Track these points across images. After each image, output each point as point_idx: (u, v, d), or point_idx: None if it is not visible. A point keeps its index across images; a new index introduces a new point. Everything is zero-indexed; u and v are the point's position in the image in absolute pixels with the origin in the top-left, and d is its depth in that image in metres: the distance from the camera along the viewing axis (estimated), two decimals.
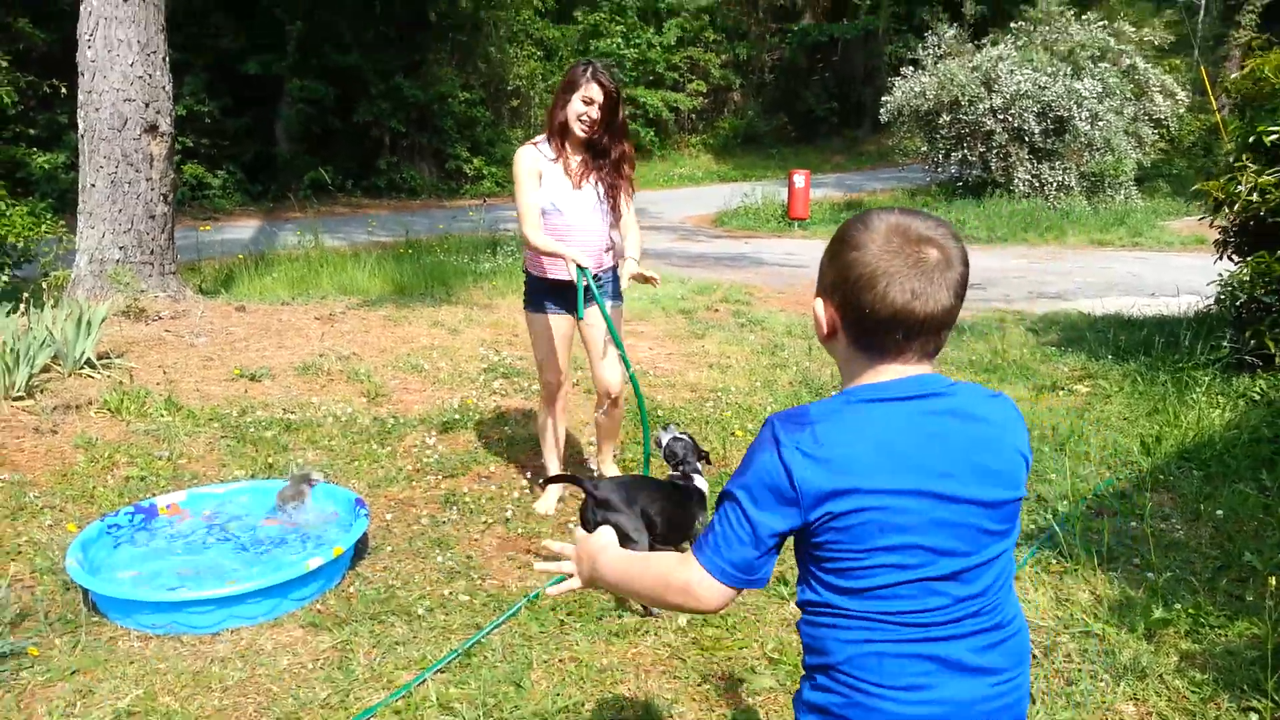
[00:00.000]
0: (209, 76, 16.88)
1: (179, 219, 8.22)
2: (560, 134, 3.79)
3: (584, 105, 3.70)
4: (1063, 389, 5.80)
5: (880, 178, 22.12)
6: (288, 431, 4.82)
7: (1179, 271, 10.14)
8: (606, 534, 1.53)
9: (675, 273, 10.75)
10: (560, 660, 2.90)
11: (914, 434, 1.28)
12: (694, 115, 29.49)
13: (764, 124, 30.87)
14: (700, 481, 3.59)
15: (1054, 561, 3.49)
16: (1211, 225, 6.39)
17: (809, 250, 12.99)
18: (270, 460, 4.49)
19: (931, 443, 1.28)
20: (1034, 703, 2.55)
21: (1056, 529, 3.62)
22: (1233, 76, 6.86)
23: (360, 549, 3.60)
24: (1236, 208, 5.72)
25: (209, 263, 9.89)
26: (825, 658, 1.32)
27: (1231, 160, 5.92)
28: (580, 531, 1.62)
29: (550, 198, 3.77)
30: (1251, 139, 5.69)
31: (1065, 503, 4.01)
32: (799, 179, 15.67)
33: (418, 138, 20.55)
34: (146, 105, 7.04)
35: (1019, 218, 14.63)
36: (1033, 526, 3.81)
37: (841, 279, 1.31)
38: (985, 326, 7.48)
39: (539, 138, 3.88)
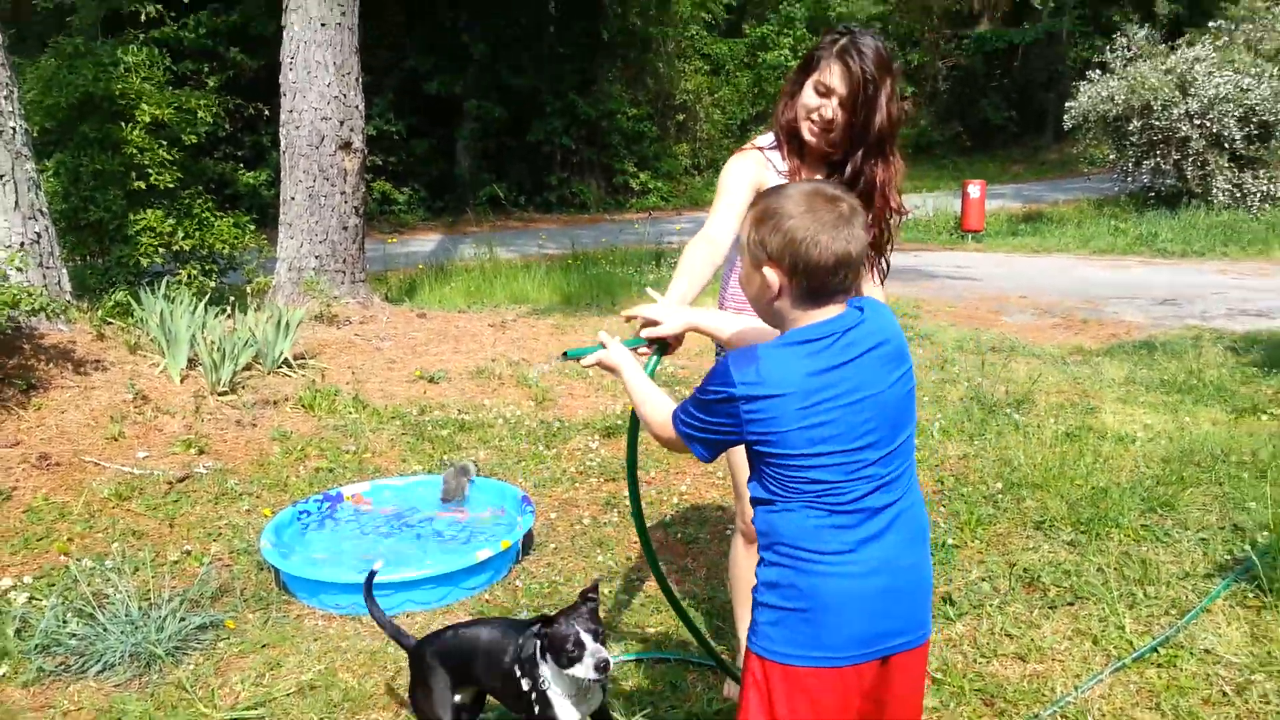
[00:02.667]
0: (396, 97, 17.90)
1: (368, 232, 8.77)
2: (789, 137, 2.52)
3: (817, 97, 2.41)
4: (1265, 412, 5.36)
5: (1063, 188, 21.05)
6: (462, 431, 5.06)
7: None
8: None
9: None
10: None
11: (835, 362, 1.61)
12: None
13: (938, 134, 30.01)
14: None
15: (1251, 595, 3.23)
16: None
17: (983, 264, 12.52)
18: (446, 457, 4.72)
19: (847, 368, 1.61)
20: None
21: (1255, 560, 3.35)
22: None
23: (526, 544, 3.73)
24: None
25: (394, 273, 10.48)
26: (773, 538, 1.66)
27: None
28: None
29: None
30: None
31: (1265, 534, 3.70)
32: (974, 189, 15.12)
33: (587, 153, 21.13)
34: (341, 123, 7.55)
35: (1218, 230, 13.59)
36: (1228, 558, 3.55)
37: (788, 242, 1.62)
38: (1179, 345, 7.00)
39: (764, 137, 2.61)
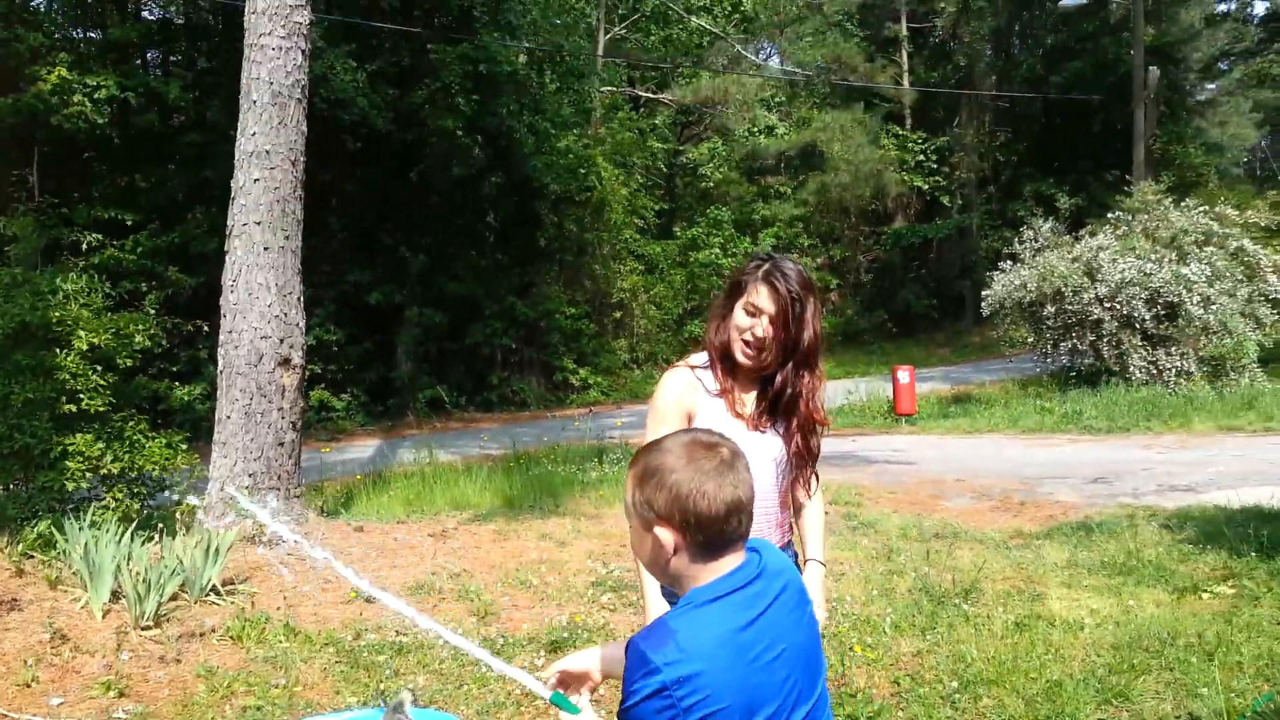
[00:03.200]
0: (337, 308, 18.21)
1: (305, 442, 8.68)
2: (723, 357, 2.61)
3: (748, 318, 2.53)
4: (1206, 591, 5.41)
5: (987, 369, 21.87)
6: (399, 655, 4.85)
7: None
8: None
9: None
10: None
11: (751, 616, 1.52)
12: None
13: (864, 321, 31.25)
14: None
15: None
16: None
17: (918, 446, 12.77)
18: (382, 686, 4.49)
19: (761, 621, 1.53)
20: None
21: None
22: None
23: None
24: None
25: (331, 483, 10.31)
26: None
27: None
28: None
29: None
30: None
31: None
32: (903, 375, 15.64)
33: (526, 352, 21.55)
34: (281, 341, 7.60)
35: (1139, 406, 14.14)
36: None
37: (674, 498, 1.55)
38: (1115, 524, 7.11)
39: (698, 356, 2.70)
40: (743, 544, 1.60)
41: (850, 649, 4.78)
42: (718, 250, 28.37)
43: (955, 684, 4.24)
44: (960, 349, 27.69)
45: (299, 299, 7.85)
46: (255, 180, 7.60)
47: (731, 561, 1.58)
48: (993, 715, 3.90)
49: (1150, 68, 27.11)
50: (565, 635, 5.06)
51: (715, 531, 1.55)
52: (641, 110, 30.18)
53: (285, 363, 7.63)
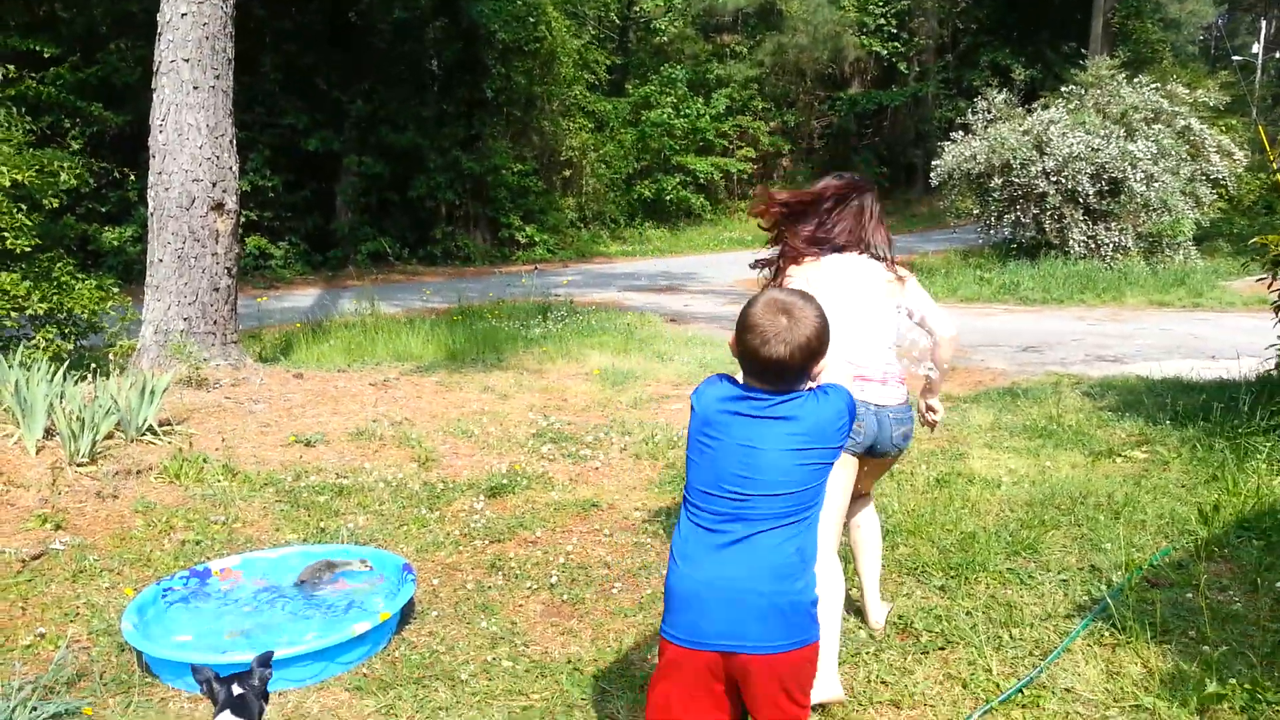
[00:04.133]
0: (273, 153, 17.55)
1: (242, 289, 8.52)
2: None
3: None
4: (1120, 455, 5.68)
5: (933, 239, 22.05)
6: (340, 496, 4.92)
7: (1241, 333, 9.92)
8: None
9: (725, 336, 10.81)
10: None
11: (738, 414, 2.07)
12: (744, 180, 29.81)
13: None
14: None
15: (1107, 634, 3.40)
16: (1270, 288, 6.27)
17: None
18: (322, 524, 4.58)
19: (742, 420, 2.07)
20: None
21: (1109, 601, 3.54)
22: None
23: (407, 614, 3.64)
24: None
25: (269, 331, 10.19)
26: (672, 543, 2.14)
27: None
28: None
29: None
30: None
31: (1120, 573, 3.91)
32: None
33: (472, 207, 21.11)
34: (214, 185, 7.35)
35: (1075, 279, 14.47)
36: (1086, 598, 3.73)
37: (739, 324, 2.09)
38: (1040, 391, 7.37)
39: None
40: (758, 381, 2.09)
41: None
42: (670, 110, 27.74)
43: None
44: (908, 218, 27.78)
45: (231, 141, 7.56)
46: (183, 15, 7.19)
47: (752, 382, 2.11)
48: (907, 562, 4.11)
49: None
50: (505, 482, 5.16)
51: (741, 358, 2.11)
52: None
53: (219, 207, 7.41)
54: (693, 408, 2.14)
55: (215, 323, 7.43)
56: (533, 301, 12.22)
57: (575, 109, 24.76)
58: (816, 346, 2.05)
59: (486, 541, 4.43)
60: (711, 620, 2.02)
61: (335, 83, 18.83)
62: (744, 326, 2.05)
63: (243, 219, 8.97)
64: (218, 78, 7.40)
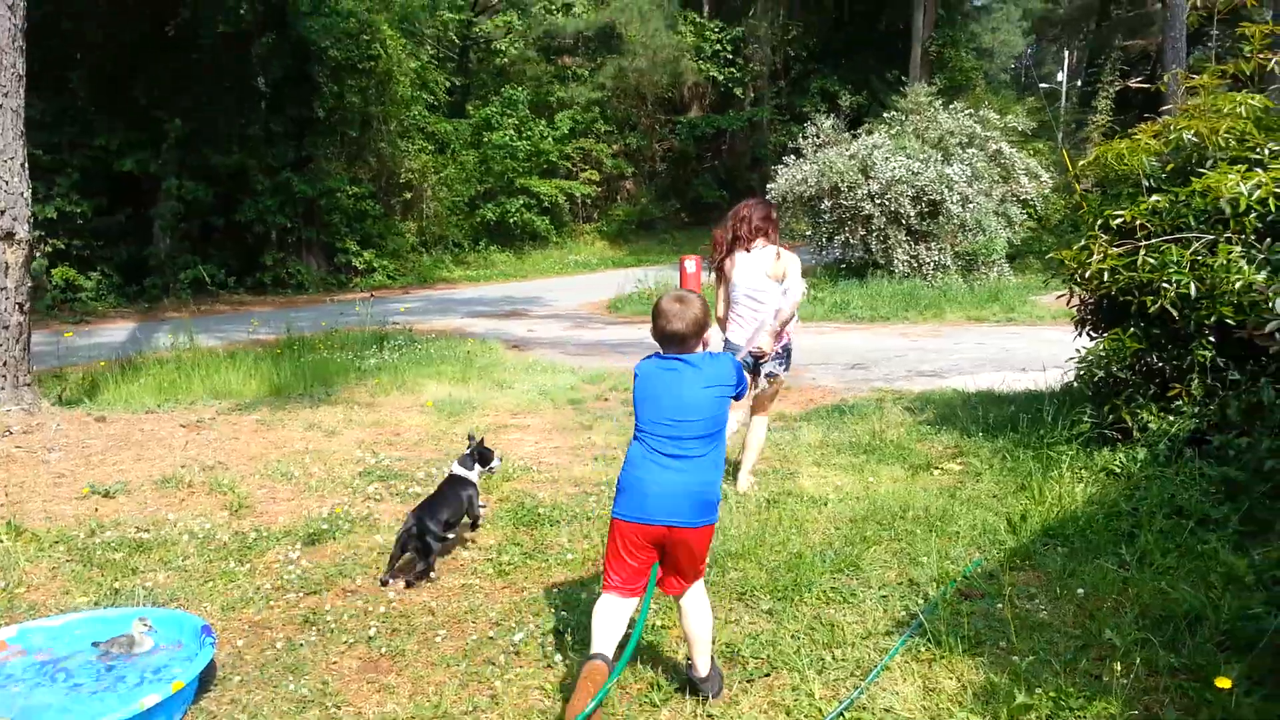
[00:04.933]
0: (82, 176, 16.42)
1: (45, 324, 7.87)
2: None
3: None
4: (937, 468, 5.90)
5: None
6: (139, 552, 4.55)
7: (1049, 345, 10.56)
8: None
9: (568, 361, 10.74)
10: None
11: (666, 370, 3.11)
12: (588, 203, 29.96)
13: (657, 210, 31.54)
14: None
15: (924, 649, 3.48)
16: (1069, 304, 6.67)
17: None
18: (117, 585, 4.20)
19: (667, 374, 3.10)
20: None
21: (922, 618, 3.63)
22: (1080, 163, 7.26)
23: (207, 681, 3.37)
24: (1091, 283, 5.93)
25: (75, 370, 9.44)
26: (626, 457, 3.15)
27: (1087, 234, 6.15)
28: None
29: None
30: (1099, 222, 5.97)
31: (935, 586, 4.03)
32: (689, 264, 15.95)
33: (305, 232, 20.34)
34: (2, 212, 6.77)
35: (900, 297, 15.16)
36: (904, 613, 3.81)
37: (653, 312, 3.16)
38: (866, 408, 7.62)
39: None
40: (669, 349, 3.13)
41: None
42: (512, 132, 27.62)
43: (709, 559, 4.43)
44: None
45: (23, 165, 6.99)
46: None
47: (665, 350, 3.16)
48: (737, 586, 4.12)
49: None
50: (325, 527, 4.90)
51: (655, 335, 3.15)
52: None
53: (8, 237, 6.83)
54: (636, 375, 3.14)
55: (5, 364, 6.81)
56: (369, 331, 11.81)
57: (414, 130, 24.32)
58: (704, 321, 3.12)
59: (301, 594, 4.17)
60: (659, 506, 3.00)
61: (153, 99, 17.80)
62: (656, 313, 3.12)
63: (49, 248, 8.30)
64: (5, 95, 6.84)
